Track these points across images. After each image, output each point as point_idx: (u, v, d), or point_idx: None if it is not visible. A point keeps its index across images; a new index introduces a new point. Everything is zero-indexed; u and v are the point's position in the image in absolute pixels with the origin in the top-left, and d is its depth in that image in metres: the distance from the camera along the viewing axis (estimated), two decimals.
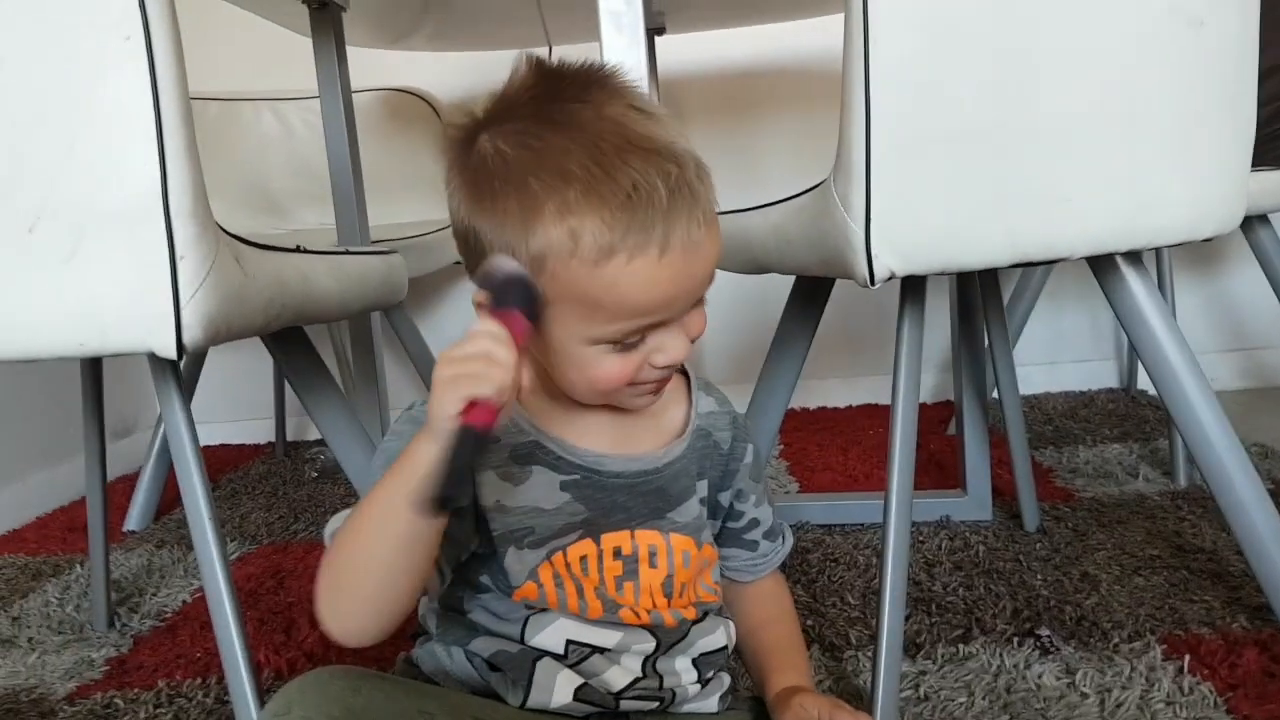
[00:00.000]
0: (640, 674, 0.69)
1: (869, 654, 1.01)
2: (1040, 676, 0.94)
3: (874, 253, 0.82)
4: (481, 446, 0.53)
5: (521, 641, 0.67)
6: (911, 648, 1.02)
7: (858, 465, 1.75)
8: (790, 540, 0.82)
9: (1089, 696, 0.90)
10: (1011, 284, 2.11)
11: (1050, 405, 2.08)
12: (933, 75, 0.80)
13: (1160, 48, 0.83)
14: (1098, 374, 2.24)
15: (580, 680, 0.67)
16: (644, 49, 1.00)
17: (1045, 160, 0.82)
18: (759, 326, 2.18)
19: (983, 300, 1.32)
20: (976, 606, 1.11)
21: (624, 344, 0.62)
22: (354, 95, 1.50)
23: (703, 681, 0.72)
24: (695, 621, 0.72)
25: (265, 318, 0.90)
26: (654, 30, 1.76)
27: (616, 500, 0.69)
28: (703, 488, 0.74)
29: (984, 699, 0.91)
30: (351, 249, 1.13)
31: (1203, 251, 2.21)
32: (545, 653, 0.67)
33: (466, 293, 2.28)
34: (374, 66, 1.83)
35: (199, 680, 1.10)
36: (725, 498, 0.76)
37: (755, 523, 0.79)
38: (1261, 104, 1.72)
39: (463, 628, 0.70)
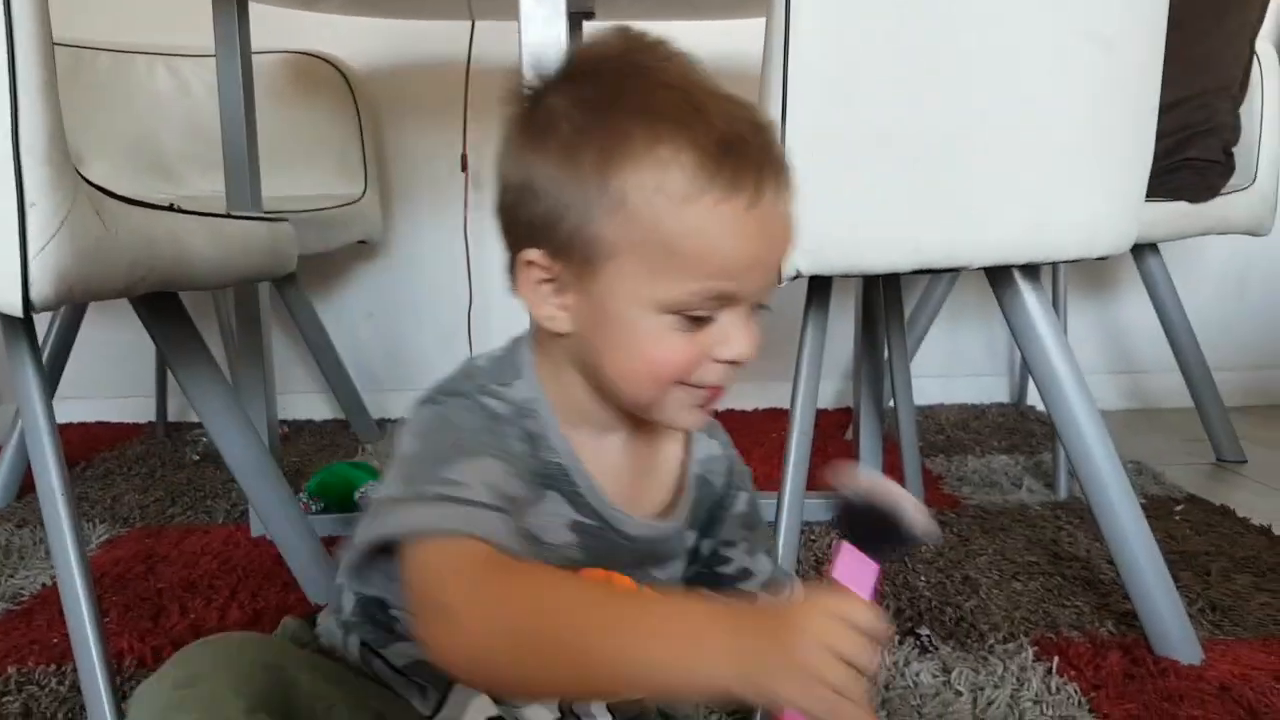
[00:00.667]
0: (559, 715, 0.64)
1: None
2: (918, 674, 0.95)
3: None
4: None
5: None
6: None
7: (759, 466, 1.72)
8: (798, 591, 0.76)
9: (963, 694, 0.92)
10: (914, 297, 2.16)
11: (943, 416, 2.13)
12: (848, 81, 0.81)
13: (1071, 67, 0.85)
14: (990, 388, 2.31)
15: (494, 712, 0.62)
16: (564, 29, 0.98)
17: (952, 170, 0.84)
18: None
19: (885, 311, 1.34)
20: None
21: (693, 318, 0.56)
22: (257, 56, 1.43)
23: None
24: None
25: (128, 279, 0.84)
26: (582, 14, 1.74)
27: (615, 555, 0.63)
28: (690, 537, 0.70)
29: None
30: (234, 213, 1.08)
31: (1096, 276, 2.30)
32: None
33: (366, 273, 2.23)
34: (281, 27, 1.74)
35: (53, 666, 1.03)
36: (707, 546, 0.72)
37: (747, 573, 0.73)
38: (1160, 137, 1.80)
39: (379, 629, 0.64)
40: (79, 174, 0.78)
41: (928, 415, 2.13)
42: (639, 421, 0.63)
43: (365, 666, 0.64)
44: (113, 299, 0.88)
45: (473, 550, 0.51)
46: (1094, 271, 2.29)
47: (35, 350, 0.84)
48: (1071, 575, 1.21)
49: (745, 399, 2.25)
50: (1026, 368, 2.20)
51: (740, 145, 0.54)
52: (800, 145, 0.81)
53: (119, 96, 1.84)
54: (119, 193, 0.84)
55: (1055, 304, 1.65)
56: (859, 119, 0.82)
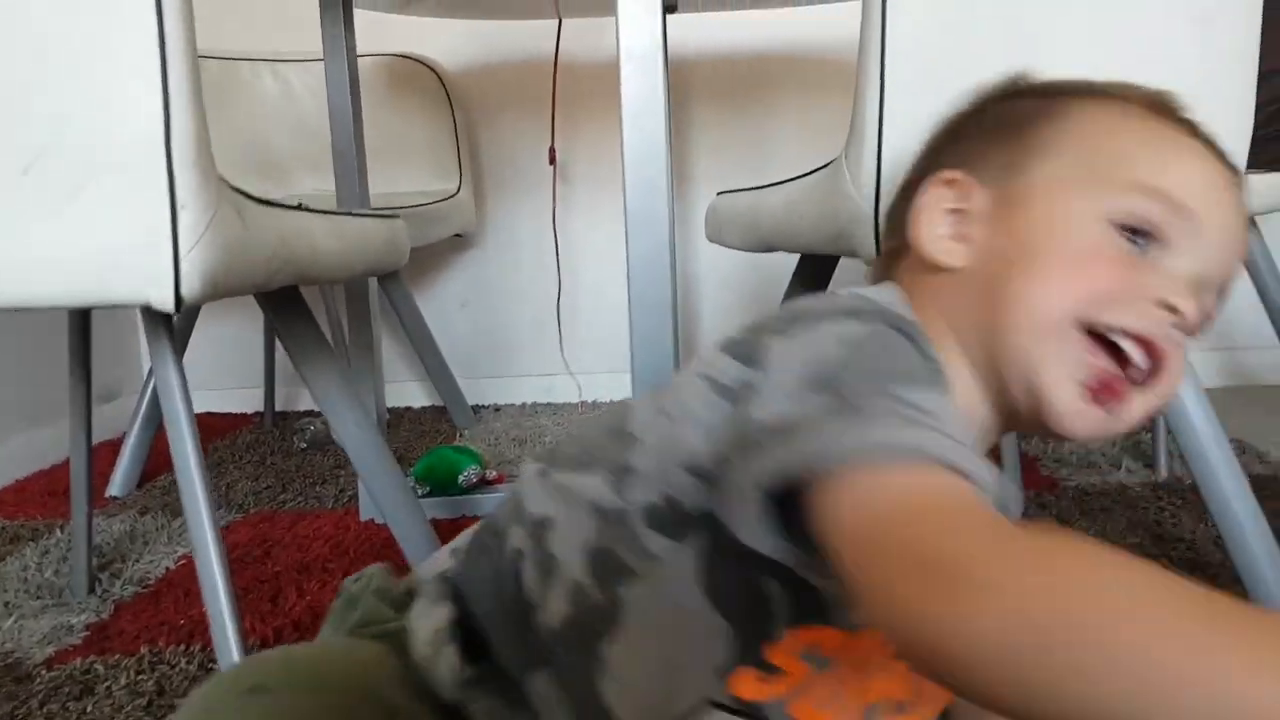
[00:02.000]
0: None
1: None
2: None
3: (882, 230, 0.83)
4: None
5: None
6: None
7: None
8: None
9: None
10: None
11: None
12: (946, 57, 0.81)
13: (1169, 42, 0.84)
14: None
15: None
16: (660, 25, 1.00)
17: None
18: (751, 306, 2.20)
19: None
20: None
21: (1135, 237, 0.48)
22: (358, 59, 1.49)
23: None
24: None
25: (266, 273, 0.89)
26: (665, 7, 1.75)
27: None
28: None
29: None
30: (355, 211, 1.13)
31: None
32: None
33: (461, 265, 2.29)
34: (380, 31, 1.81)
35: (182, 647, 1.09)
36: None
37: None
38: (1260, 106, 1.73)
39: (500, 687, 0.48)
40: (221, 178, 0.83)
41: None
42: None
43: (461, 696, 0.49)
44: (251, 293, 0.93)
45: (976, 502, 0.36)
46: None
47: (175, 344, 0.90)
48: (1177, 557, 1.19)
49: None
50: None
51: (1185, 111, 0.53)
52: (898, 123, 0.83)
53: (228, 101, 1.93)
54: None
55: None
56: (955, 97, 0.82)
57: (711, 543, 0.44)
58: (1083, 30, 0.82)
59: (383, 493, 1.23)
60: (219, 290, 0.83)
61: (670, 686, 0.45)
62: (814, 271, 1.23)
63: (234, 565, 1.30)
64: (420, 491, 1.51)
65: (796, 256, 1.20)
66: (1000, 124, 0.55)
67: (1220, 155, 0.51)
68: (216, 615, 0.88)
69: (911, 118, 0.82)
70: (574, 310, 2.20)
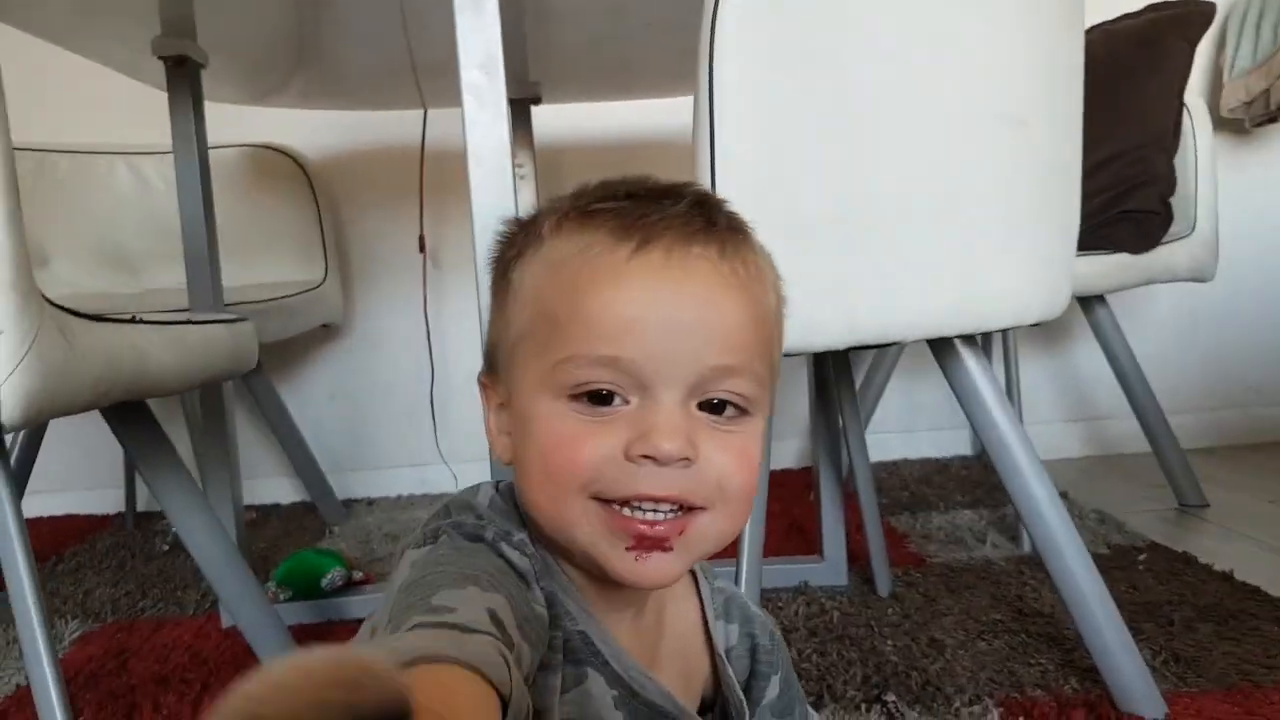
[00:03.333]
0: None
1: None
2: None
3: None
4: None
5: None
6: None
7: None
8: None
9: None
10: (868, 358, 2.19)
11: (906, 471, 2.15)
12: (772, 166, 0.85)
13: (986, 147, 0.89)
14: (951, 442, 2.34)
15: None
16: (506, 123, 1.00)
17: (879, 251, 0.87)
18: None
19: (835, 376, 1.37)
20: (829, 673, 1.12)
21: (588, 398, 0.47)
22: (217, 150, 1.46)
23: None
24: None
25: (93, 394, 0.86)
26: (530, 100, 1.79)
27: None
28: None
29: None
30: (194, 317, 1.09)
31: (1047, 327, 2.35)
32: None
33: (329, 356, 2.25)
34: (239, 121, 1.80)
35: None
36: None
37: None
38: (1097, 192, 1.85)
39: None
40: (44, 297, 0.80)
41: (891, 472, 2.15)
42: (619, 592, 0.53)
43: None
44: (80, 413, 0.89)
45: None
46: (1045, 323, 2.34)
47: (4, 460, 0.85)
48: (1036, 632, 1.22)
49: None
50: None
51: (646, 201, 0.49)
52: None
53: (80, 196, 1.86)
54: (84, 293, 0.86)
55: (1006, 357, 1.69)
56: (784, 204, 0.85)
57: None
58: (906, 140, 0.87)
59: (237, 601, 1.19)
60: (42, 414, 0.79)
61: None
62: None
63: (89, 680, 1.24)
64: (283, 596, 1.44)
65: None
66: (493, 297, 0.55)
67: (681, 237, 0.48)
68: None
69: (747, 220, 0.86)
70: (448, 397, 2.17)
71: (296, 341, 2.12)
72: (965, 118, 0.88)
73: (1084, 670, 1.10)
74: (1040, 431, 2.14)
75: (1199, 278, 1.79)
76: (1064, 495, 1.61)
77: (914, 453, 2.32)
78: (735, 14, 0.80)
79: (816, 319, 0.86)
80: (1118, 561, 1.47)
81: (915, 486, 2.02)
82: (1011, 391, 1.78)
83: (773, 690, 0.63)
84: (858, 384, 2.04)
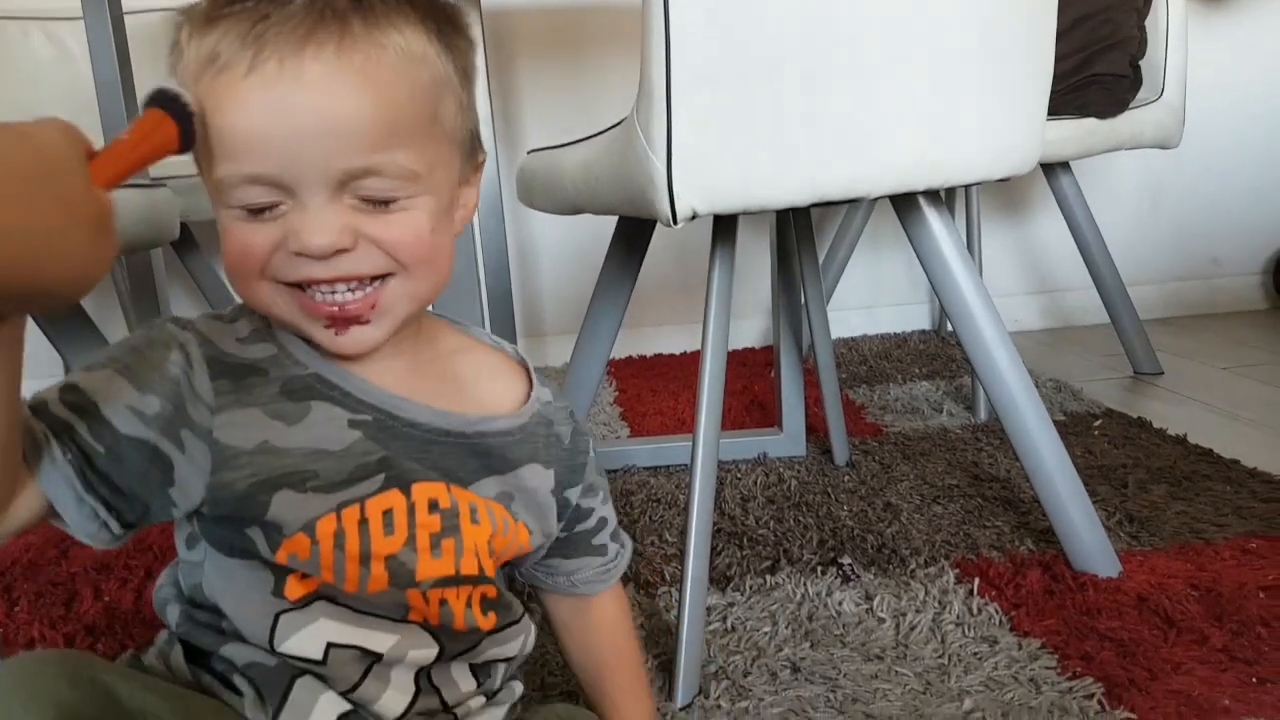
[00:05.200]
0: (415, 689, 0.59)
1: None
2: (840, 604, 0.96)
3: (675, 191, 0.80)
4: None
5: (271, 649, 0.55)
6: (721, 580, 1.03)
7: (687, 409, 1.76)
8: (629, 544, 0.74)
9: (885, 621, 0.93)
10: (831, 231, 2.16)
11: (866, 347, 2.15)
12: (730, 10, 0.78)
13: None
14: (912, 317, 2.33)
15: (346, 707, 0.56)
16: None
17: (843, 98, 0.82)
18: (594, 273, 2.17)
19: (798, 248, 1.33)
20: (785, 539, 1.12)
21: (249, 209, 0.51)
22: (132, 16, 1.36)
23: (487, 693, 0.63)
24: (490, 632, 0.62)
25: None
26: None
27: (412, 454, 0.58)
28: (549, 478, 0.65)
29: (787, 627, 0.92)
30: None
31: (1009, 196, 2.32)
32: (305, 669, 0.56)
33: None
34: None
35: None
36: (574, 494, 0.67)
37: (604, 522, 0.70)
38: (1066, 55, 1.79)
39: (206, 630, 0.58)
40: None
41: (851, 347, 2.15)
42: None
43: (194, 680, 0.58)
44: None
45: None
46: (1007, 192, 2.32)
47: None
48: (991, 496, 1.23)
49: (671, 342, 2.25)
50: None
51: (258, 9, 0.49)
52: (686, 80, 0.79)
53: None
54: None
55: (969, 227, 1.66)
56: (744, 52, 0.79)
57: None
58: None
59: None
60: None
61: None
62: (631, 233, 1.19)
63: (26, 569, 1.21)
64: None
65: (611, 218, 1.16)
66: None
67: (293, 42, 0.49)
68: None
69: (701, 69, 0.80)
70: None
71: None
72: None
73: (1039, 532, 1.10)
74: (1000, 305, 2.12)
75: (1164, 144, 1.76)
76: None
77: (874, 329, 2.31)
78: None
79: (777, 174, 0.82)
80: (1073, 428, 1.47)
81: (874, 361, 2.01)
82: (973, 258, 1.76)
83: (608, 510, 0.70)
84: (820, 259, 2.01)
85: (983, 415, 1.56)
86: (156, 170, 1.40)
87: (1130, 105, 1.71)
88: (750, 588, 1.01)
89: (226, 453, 0.53)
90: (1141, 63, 1.73)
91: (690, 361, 2.15)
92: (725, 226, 0.92)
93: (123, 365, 0.51)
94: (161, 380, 0.52)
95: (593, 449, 0.70)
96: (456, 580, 0.59)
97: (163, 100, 0.47)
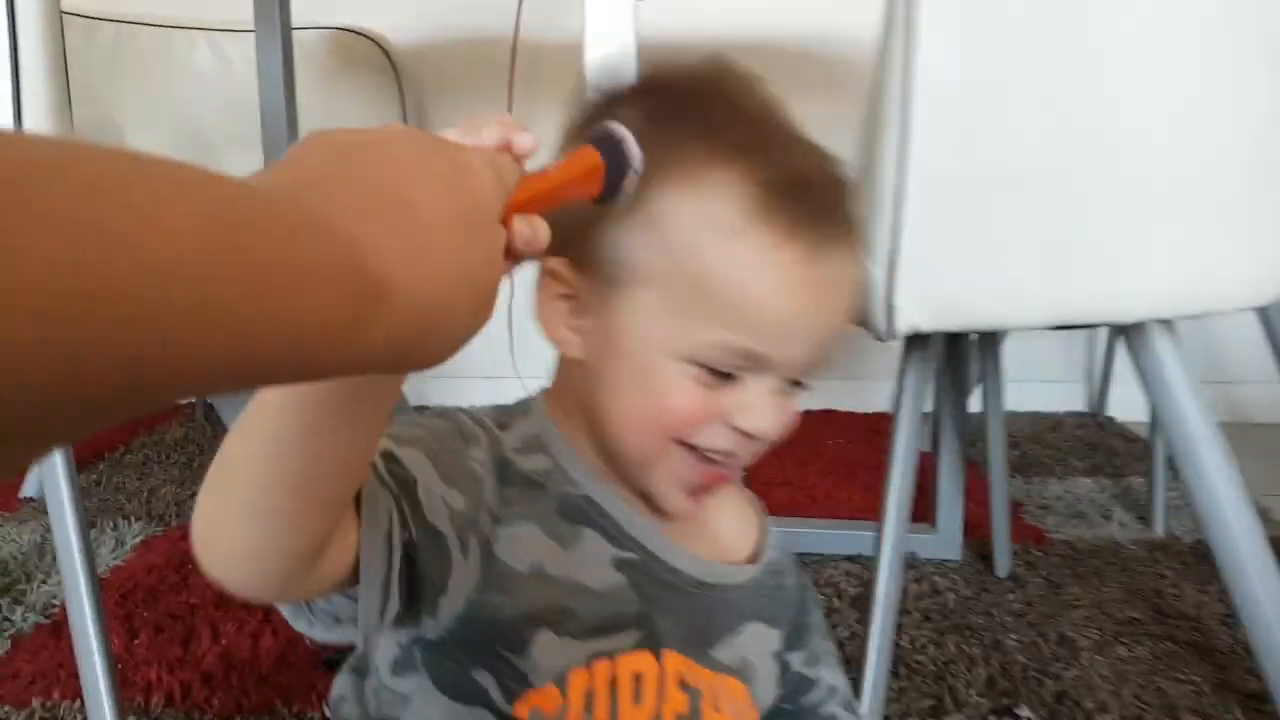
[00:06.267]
0: None
1: None
2: None
3: (896, 303, 0.70)
4: None
5: None
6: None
7: (818, 482, 1.66)
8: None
9: None
10: None
11: (1015, 427, 1.99)
12: (985, 106, 0.70)
13: (1239, 91, 0.72)
14: (1066, 396, 2.17)
15: None
16: (630, 11, 0.86)
17: (1096, 213, 0.72)
18: None
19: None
20: (948, 671, 1.02)
21: (715, 372, 0.49)
22: (298, 32, 1.35)
23: None
24: None
25: None
26: None
27: (665, 603, 0.54)
28: (774, 639, 0.59)
29: None
30: None
31: None
32: None
33: None
34: (321, 3, 1.69)
35: (77, 703, 0.95)
36: (798, 659, 0.61)
37: (833, 691, 0.63)
38: None
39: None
40: None
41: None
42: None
43: None
44: None
45: None
46: None
47: None
48: (1183, 639, 1.09)
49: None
50: (1108, 376, 2.08)
51: (805, 191, 0.48)
52: (921, 182, 0.70)
53: (160, 73, 1.76)
54: None
55: None
56: (992, 153, 0.70)
57: None
58: (1143, 77, 0.70)
59: None
60: None
61: None
62: None
63: (148, 595, 1.19)
64: None
65: None
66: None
67: (840, 242, 0.49)
68: (89, 674, 0.77)
69: (940, 173, 0.70)
70: (527, 311, 2.07)
71: None
72: (1218, 53, 0.71)
73: (1246, 695, 0.97)
74: None
75: None
76: None
77: (1023, 405, 2.15)
78: None
79: (1012, 291, 0.72)
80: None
81: (1026, 445, 1.87)
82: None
83: (818, 614, 0.64)
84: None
85: (1159, 529, 1.41)
86: None
87: None
88: None
89: (500, 571, 0.49)
90: None
91: (814, 423, 2.04)
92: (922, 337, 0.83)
93: (431, 450, 0.47)
94: (465, 477, 0.49)
95: (817, 603, 0.65)
96: None
97: (605, 143, 0.41)
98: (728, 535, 0.60)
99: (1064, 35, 0.70)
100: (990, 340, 1.21)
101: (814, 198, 0.48)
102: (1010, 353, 2.10)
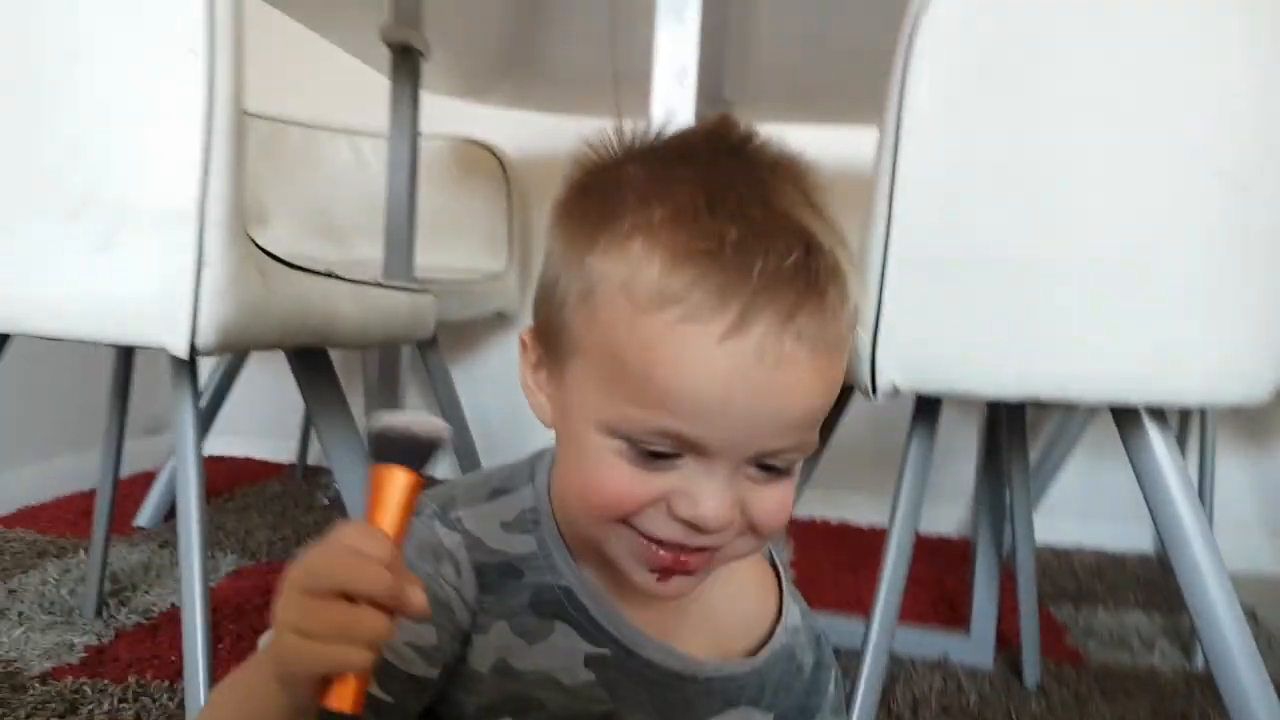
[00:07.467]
0: None
1: None
2: None
3: (878, 364, 0.80)
4: None
5: None
6: None
7: (866, 587, 1.70)
8: None
9: None
10: (1049, 428, 2.06)
11: (1078, 561, 1.99)
12: (961, 197, 0.80)
13: (1196, 205, 0.81)
14: (1133, 536, 2.15)
15: None
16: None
17: (1065, 298, 0.81)
18: None
19: (1008, 440, 1.28)
20: None
21: (647, 452, 0.45)
22: (425, 139, 1.54)
23: None
24: None
25: (281, 333, 0.92)
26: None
27: (638, 697, 0.52)
28: None
29: None
30: (383, 282, 1.15)
31: (1256, 424, 2.14)
32: None
33: (503, 345, 2.31)
34: (452, 114, 1.88)
35: (167, 683, 1.11)
36: None
37: None
38: None
39: None
40: (250, 239, 0.87)
41: (1060, 557, 2.00)
42: None
43: None
44: (269, 349, 0.96)
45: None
46: (1254, 419, 2.13)
47: (195, 391, 0.92)
48: None
49: (860, 512, 2.19)
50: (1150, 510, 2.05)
51: (743, 260, 0.42)
52: (903, 257, 0.81)
53: (305, 167, 2.00)
54: (295, 254, 0.92)
55: (1202, 450, 1.54)
56: (967, 236, 0.81)
57: None
58: (1108, 185, 0.80)
59: None
60: (232, 343, 0.86)
61: None
62: None
63: (233, 612, 1.32)
64: None
65: None
66: (545, 271, 0.51)
67: (785, 319, 0.43)
68: (191, 662, 0.88)
69: (919, 253, 0.80)
70: None
71: (473, 326, 2.20)
72: (1177, 170, 0.80)
73: None
74: (1233, 539, 1.93)
75: None
76: (1251, 615, 1.46)
77: (1089, 541, 2.15)
78: (936, 32, 0.77)
79: (986, 362, 0.81)
80: None
81: (1084, 578, 1.86)
82: (1204, 488, 1.62)
83: (831, 701, 0.59)
84: (1034, 454, 1.92)
85: (1201, 663, 1.41)
86: (421, 272, 1.55)
87: None
88: None
89: (466, 673, 0.51)
90: None
91: (875, 537, 2.08)
92: (927, 406, 0.91)
93: None
94: (435, 606, 0.47)
95: (835, 682, 0.60)
96: None
97: (391, 449, 0.42)
98: (732, 623, 0.56)
99: (1035, 142, 0.80)
100: (1017, 439, 1.27)
101: (746, 267, 0.42)
102: (1079, 486, 2.12)
